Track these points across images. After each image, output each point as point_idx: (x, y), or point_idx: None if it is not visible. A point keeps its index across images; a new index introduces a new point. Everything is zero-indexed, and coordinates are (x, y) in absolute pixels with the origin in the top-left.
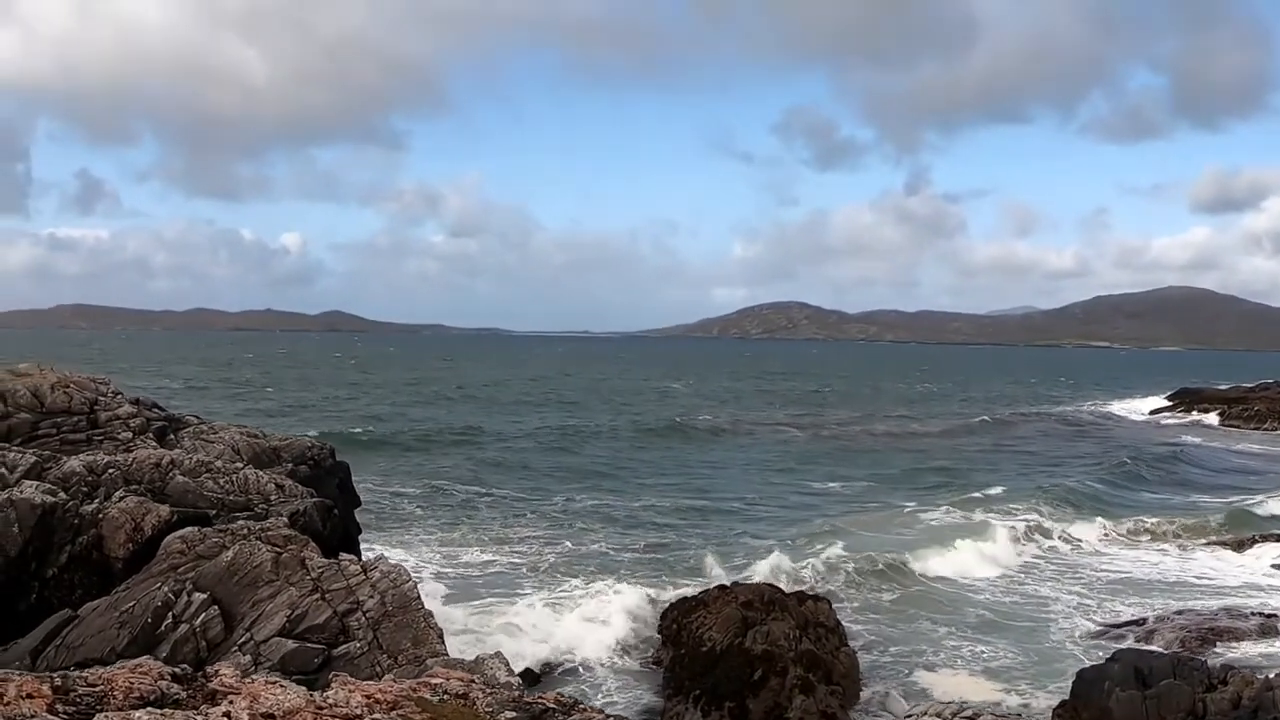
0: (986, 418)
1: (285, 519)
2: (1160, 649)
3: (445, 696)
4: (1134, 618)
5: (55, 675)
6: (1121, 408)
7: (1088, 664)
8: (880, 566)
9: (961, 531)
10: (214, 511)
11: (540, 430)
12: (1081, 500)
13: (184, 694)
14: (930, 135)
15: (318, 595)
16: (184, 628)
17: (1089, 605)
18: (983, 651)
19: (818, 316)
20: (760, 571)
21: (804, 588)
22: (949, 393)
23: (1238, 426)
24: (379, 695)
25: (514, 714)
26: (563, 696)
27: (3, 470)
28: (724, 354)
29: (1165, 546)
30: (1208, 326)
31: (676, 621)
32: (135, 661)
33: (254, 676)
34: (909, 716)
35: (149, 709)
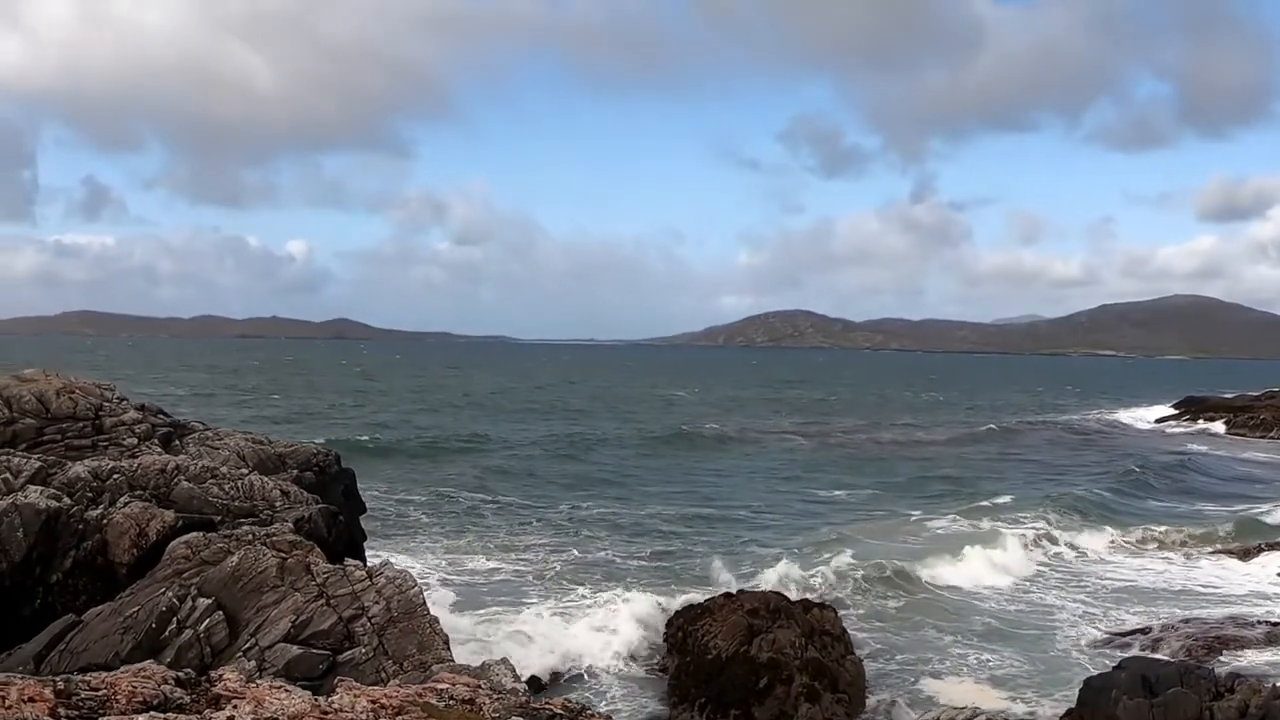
0: (993, 426)
1: (290, 525)
2: (1167, 657)
3: (451, 702)
4: (1140, 626)
5: (58, 679)
6: (1128, 416)
7: (1094, 672)
8: (886, 575)
9: (968, 540)
10: (219, 517)
11: (546, 438)
12: (1089, 509)
13: (187, 698)
14: (936, 143)
15: (323, 601)
16: (188, 633)
17: (1095, 614)
18: (989, 660)
19: (823, 325)
20: (768, 580)
21: (810, 596)
22: (955, 401)
23: (1244, 435)
24: (385, 700)
25: (521, 719)
26: (570, 702)
27: (7, 475)
28: (730, 362)
29: (1171, 555)
30: (1214, 335)
31: (682, 629)
32: (138, 666)
33: (258, 681)
34: (927, 715)
35: (152, 713)
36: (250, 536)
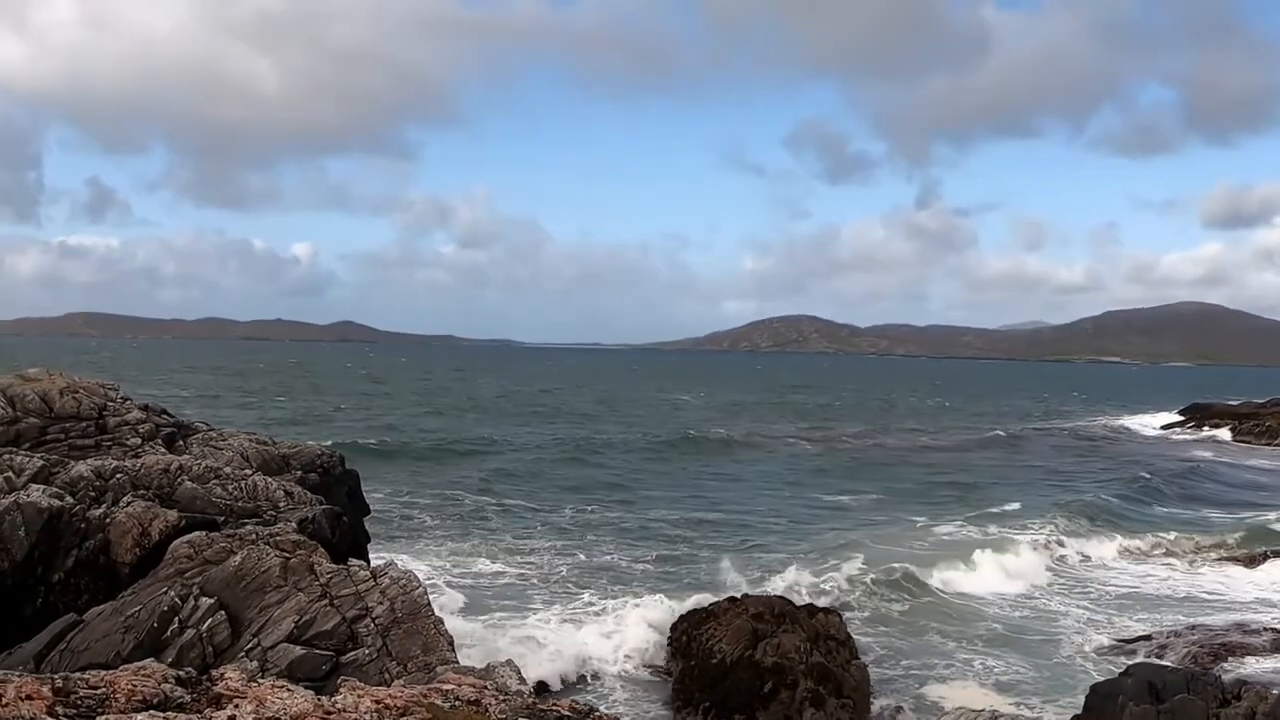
0: (1000, 432)
1: (294, 525)
2: (1173, 664)
3: (457, 703)
4: (1146, 633)
5: (56, 677)
6: (1134, 423)
7: (1100, 679)
8: (892, 580)
9: (975, 546)
10: (222, 518)
11: (551, 442)
12: (1098, 515)
13: (188, 697)
14: (941, 149)
15: (326, 601)
16: (190, 633)
17: (1099, 620)
18: (994, 666)
19: (828, 330)
20: (776, 586)
21: (816, 601)
22: (960, 407)
23: (1249, 442)
24: (389, 701)
25: None
26: (577, 704)
27: (10, 474)
28: (734, 367)
29: (1179, 562)
30: (1219, 342)
31: (686, 633)
32: (138, 664)
33: (260, 681)
34: (945, 716)
35: (151, 712)
36: (253, 536)
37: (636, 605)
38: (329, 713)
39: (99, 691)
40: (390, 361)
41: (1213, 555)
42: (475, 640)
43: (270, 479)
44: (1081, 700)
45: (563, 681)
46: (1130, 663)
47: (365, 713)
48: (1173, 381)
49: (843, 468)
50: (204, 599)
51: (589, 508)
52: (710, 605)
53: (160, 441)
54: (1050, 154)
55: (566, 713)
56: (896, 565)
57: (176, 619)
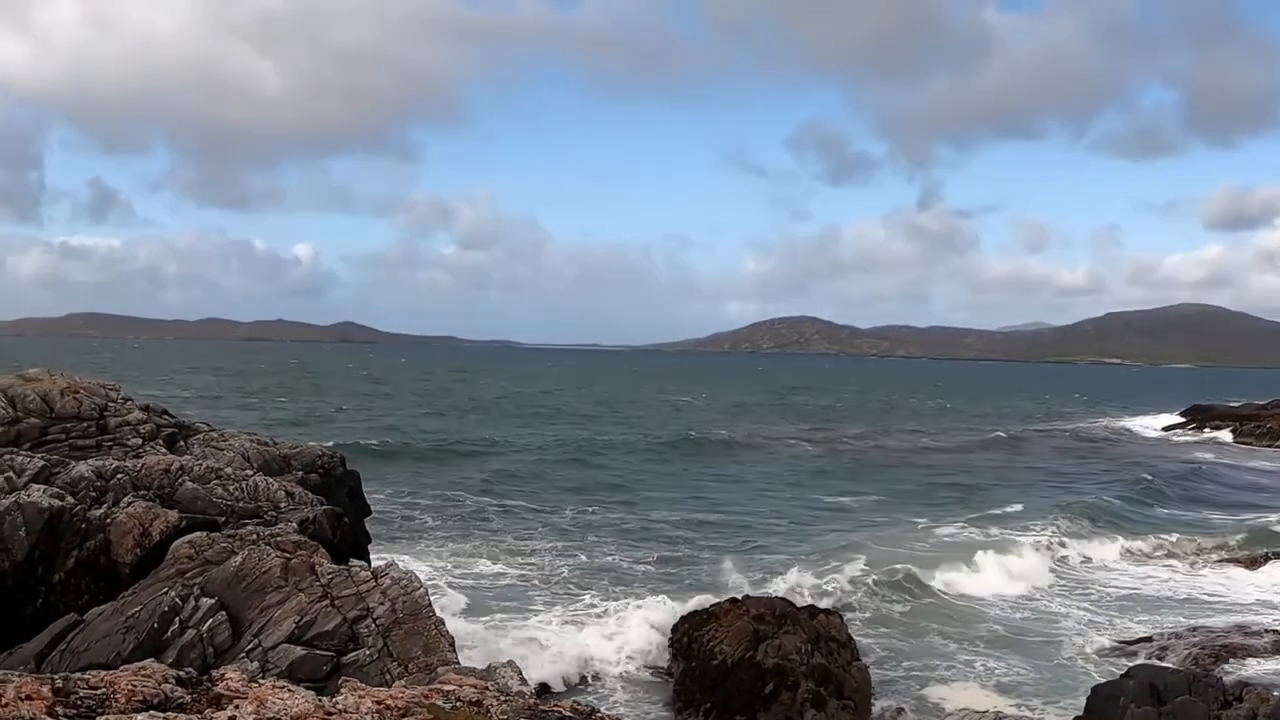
0: (1001, 433)
1: (295, 526)
2: (1174, 666)
3: (458, 703)
4: (1146, 634)
5: (56, 677)
6: (1135, 424)
7: (1100, 680)
8: (893, 582)
9: (977, 547)
10: (223, 518)
11: (553, 443)
12: (1100, 516)
13: (188, 698)
14: (943, 150)
15: (327, 602)
16: (191, 633)
17: (1100, 622)
18: (995, 667)
19: (829, 331)
20: (777, 587)
21: (818, 602)
22: (962, 408)
23: (1250, 444)
24: (390, 701)
25: None
26: (579, 705)
27: (10, 474)
28: (736, 368)
29: (1179, 564)
30: (1220, 344)
31: (687, 634)
32: (138, 665)
33: (261, 681)
34: (949, 716)
35: (151, 712)
36: (254, 536)
37: (639, 607)
38: (330, 713)
39: (99, 692)
40: (391, 362)
41: (1214, 557)
42: (477, 641)
43: (271, 479)
44: (1082, 702)
45: (564, 683)
46: (1131, 664)
47: (366, 713)
48: (1174, 383)
49: (844, 469)
50: (205, 599)
51: (590, 509)
52: (711, 606)
53: (161, 442)
54: (1052, 156)
55: (568, 714)
56: (899, 567)
57: (177, 619)
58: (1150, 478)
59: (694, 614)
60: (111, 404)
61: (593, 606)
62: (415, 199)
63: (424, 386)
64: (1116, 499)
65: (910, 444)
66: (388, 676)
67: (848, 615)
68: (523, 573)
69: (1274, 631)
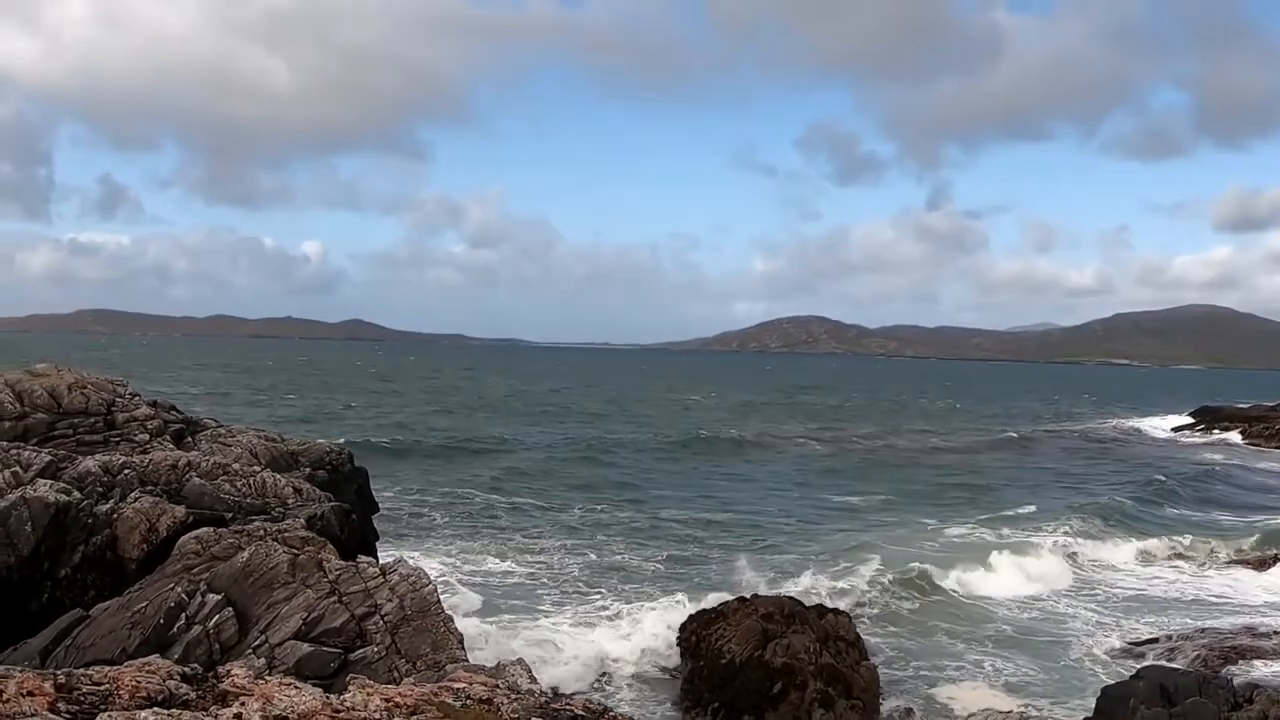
0: (1012, 433)
1: (302, 522)
2: (1183, 667)
3: (468, 701)
4: (1155, 635)
5: (59, 673)
6: (1145, 425)
7: (1108, 681)
8: (903, 582)
9: (991, 548)
10: (230, 514)
11: (562, 441)
12: (1112, 517)
13: (193, 694)
14: (952, 151)
15: (335, 598)
16: (197, 629)
17: (1107, 623)
18: (1004, 668)
19: (837, 331)
20: (791, 588)
21: (828, 602)
22: (971, 408)
23: (1260, 445)
24: (398, 699)
25: None
26: (591, 703)
27: (17, 469)
28: (744, 368)
29: (1187, 565)
30: (1228, 345)
31: (696, 633)
32: (143, 660)
33: (268, 678)
34: (972, 716)
35: (155, 709)
36: (261, 532)
37: (652, 609)
38: (337, 711)
39: (102, 688)
40: (400, 360)
41: (1224, 558)
42: (486, 639)
43: (279, 476)
44: (1091, 702)
45: (572, 679)
46: (1140, 665)
47: (374, 711)
48: (1182, 384)
49: (853, 469)
50: (211, 595)
51: (599, 507)
52: (720, 605)
53: (169, 438)
54: (1061, 157)
55: (580, 712)
56: (912, 567)
57: (183, 615)
58: (1163, 479)
59: (702, 613)
60: (119, 400)
61: (603, 605)
62: (424, 197)
63: (433, 384)
64: (1129, 500)
65: (920, 444)
66: (396, 674)
67: (856, 615)
68: (532, 571)
69: None
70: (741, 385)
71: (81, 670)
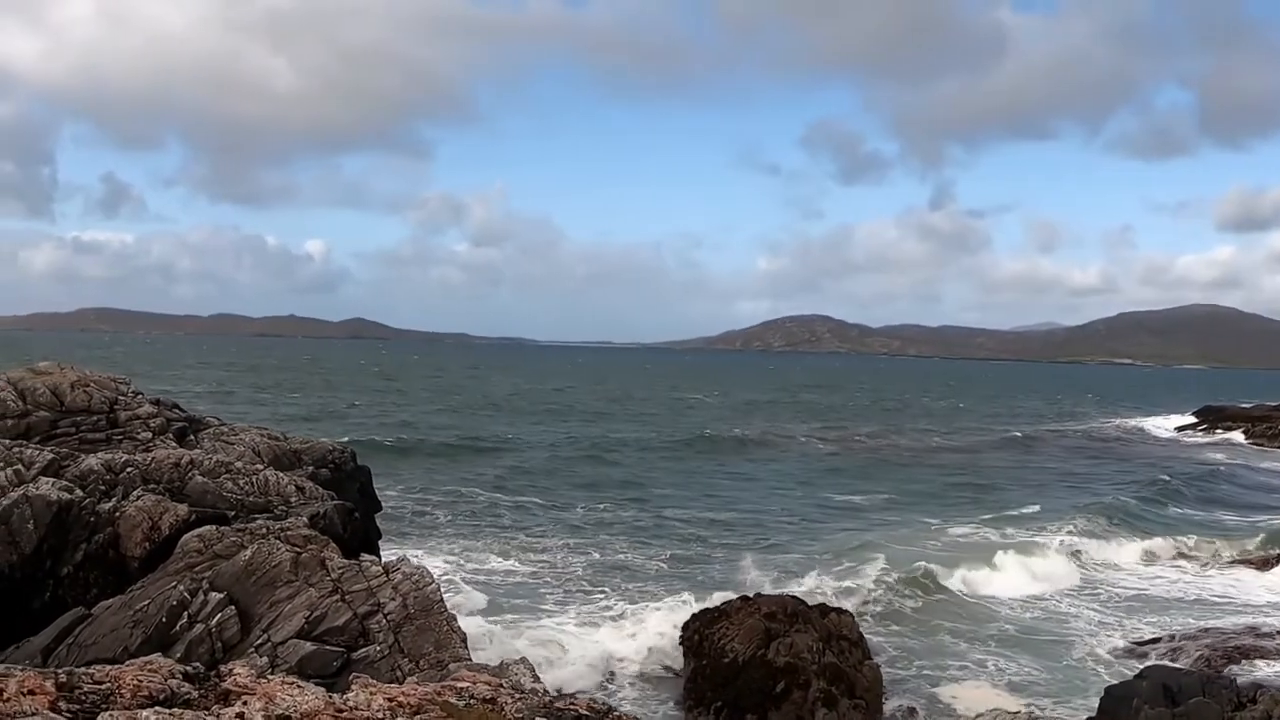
0: (1016, 433)
1: (305, 520)
2: (1186, 667)
3: (472, 701)
4: (1158, 635)
5: (60, 672)
6: (1148, 424)
7: (1111, 680)
8: (906, 581)
9: (996, 548)
10: (233, 512)
11: (565, 440)
12: (1116, 517)
13: (195, 693)
14: (955, 150)
15: (338, 597)
16: (199, 628)
17: (1110, 622)
18: (1007, 667)
19: (840, 330)
20: (795, 588)
21: (832, 601)
22: (974, 408)
23: (1263, 445)
24: (402, 698)
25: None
26: (595, 702)
27: (19, 467)
28: (747, 367)
29: (1192, 565)
30: (1231, 345)
31: (698, 632)
32: (144, 659)
33: (270, 677)
34: (980, 716)
35: (157, 708)
36: (264, 531)
37: (656, 609)
38: (340, 710)
39: (103, 687)
40: (403, 359)
41: (1229, 559)
42: (490, 639)
43: (281, 474)
44: (1094, 702)
45: (575, 679)
46: (1143, 665)
47: (378, 711)
48: (1186, 384)
49: (857, 468)
50: (213, 593)
51: (602, 506)
52: (722, 604)
53: (171, 436)
54: (1065, 156)
55: (584, 712)
56: (918, 566)
57: (186, 613)
58: (1167, 479)
59: (705, 612)
60: (122, 398)
61: (607, 607)
62: (427, 196)
63: (436, 383)
64: (1133, 499)
65: (923, 443)
66: (399, 673)
67: (860, 614)
68: (535, 569)
69: None
70: (745, 384)
71: (83, 669)
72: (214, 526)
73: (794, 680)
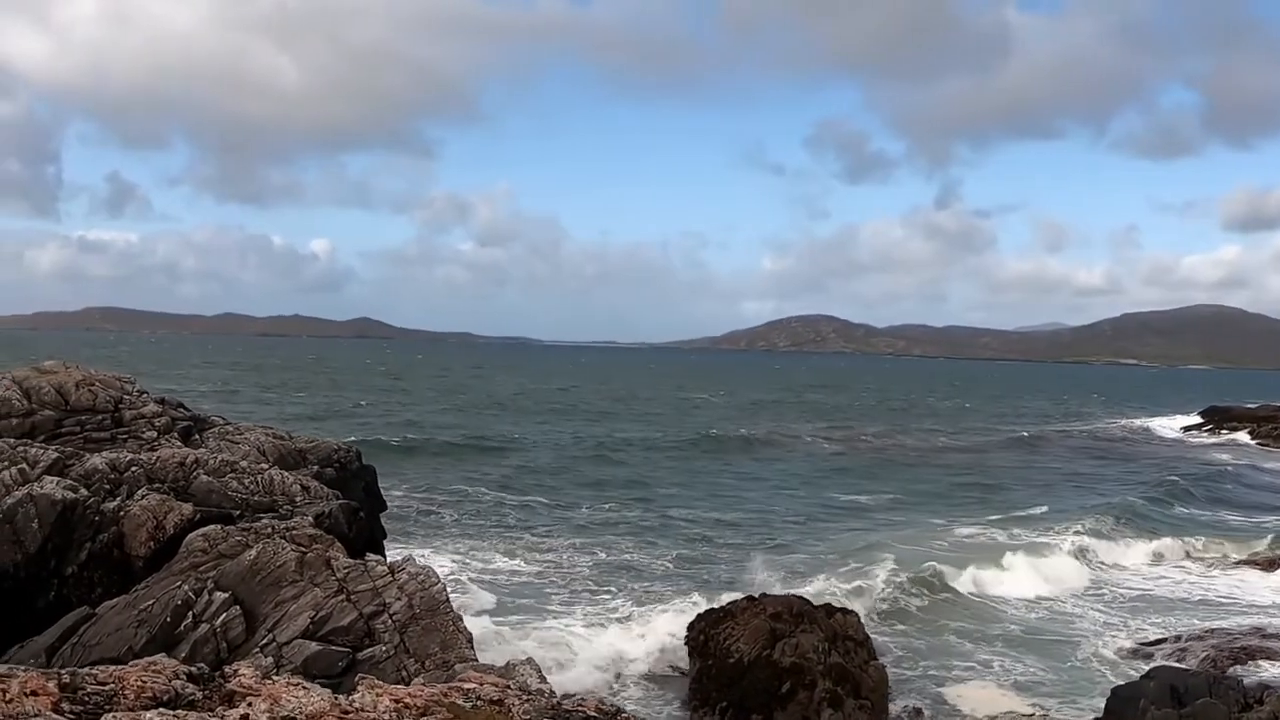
0: (1023, 433)
1: (310, 520)
2: (1192, 667)
3: (479, 702)
4: (1163, 636)
5: (63, 672)
6: (1154, 424)
7: (1118, 681)
8: (915, 582)
9: (1004, 549)
10: (238, 511)
11: (571, 440)
12: (1126, 518)
13: (200, 695)
14: (961, 149)
15: (343, 596)
16: (204, 627)
17: (1116, 623)
18: (1013, 667)
19: (846, 330)
20: (804, 589)
21: (836, 601)
22: (980, 408)
23: (1269, 445)
24: (408, 700)
25: None
26: (603, 704)
27: (24, 466)
28: (752, 366)
29: (1198, 566)
30: (1237, 345)
31: (704, 632)
32: (149, 660)
33: (275, 678)
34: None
35: (161, 710)
36: (269, 530)
37: (664, 611)
38: (346, 712)
39: (107, 687)
40: (408, 358)
41: (1235, 560)
42: (500, 639)
43: (286, 473)
44: (1100, 703)
45: (586, 682)
46: (1149, 666)
47: (384, 712)
48: (1191, 384)
49: (863, 468)
50: (218, 593)
51: (608, 505)
52: (728, 604)
53: (176, 435)
54: (1070, 156)
55: (593, 713)
56: (927, 567)
57: (190, 613)
58: (1175, 479)
59: (710, 612)
60: (127, 397)
61: (614, 607)
62: (432, 195)
63: (442, 383)
64: (1140, 500)
65: (929, 443)
66: (404, 673)
67: (866, 614)
68: (541, 569)
69: None
70: (750, 384)
71: (86, 670)
72: (219, 526)
73: (799, 681)
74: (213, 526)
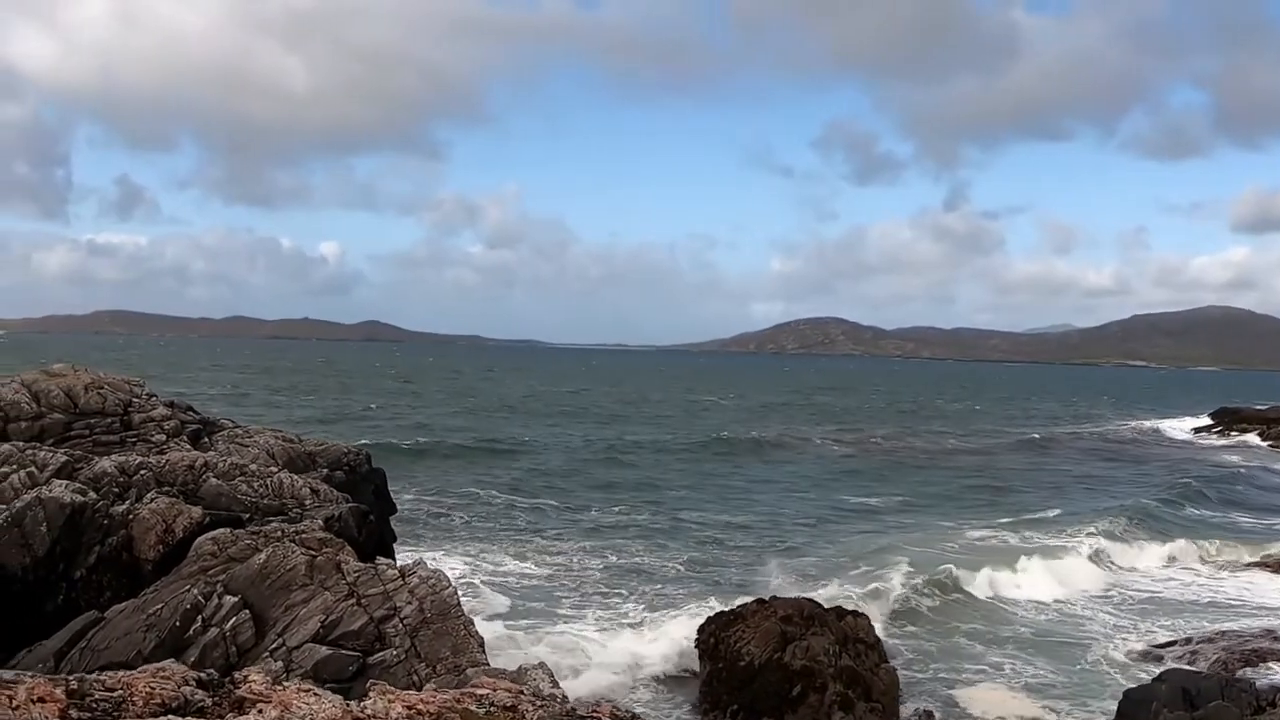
0: (1034, 435)
1: (320, 523)
2: (1204, 670)
3: (492, 708)
4: (1174, 638)
5: (71, 678)
6: (1164, 426)
7: (1129, 684)
8: (924, 584)
9: (1018, 552)
10: (247, 515)
11: (581, 443)
12: (1139, 519)
13: (209, 701)
14: (970, 151)
15: (353, 600)
16: (213, 632)
17: (1126, 625)
18: (1024, 670)
19: (854, 332)
20: (818, 593)
21: (849, 604)
22: (990, 410)
23: (1279, 447)
24: (421, 705)
25: None
26: (618, 709)
27: (33, 469)
28: (762, 369)
29: (1208, 568)
30: (1246, 346)
31: (714, 635)
32: (157, 665)
33: (285, 683)
34: None
35: (170, 716)
36: (279, 533)
37: (665, 609)
38: (358, 718)
39: (115, 694)
40: (418, 361)
41: (1247, 562)
42: (507, 643)
43: (296, 476)
44: (1112, 705)
45: (600, 687)
46: (1159, 668)
47: (396, 718)
48: (1201, 385)
49: (873, 470)
50: (228, 597)
51: (618, 508)
52: (738, 607)
53: (185, 438)
54: (1079, 157)
55: (607, 718)
56: (942, 570)
57: (199, 617)
58: (1187, 481)
59: (720, 614)
60: (136, 400)
61: (625, 611)
62: (441, 198)
63: (452, 385)
64: (1153, 502)
65: (939, 445)
66: (415, 678)
67: (876, 617)
68: (552, 572)
69: None
70: (760, 386)
71: (94, 676)
72: (228, 529)
73: (810, 683)
74: (222, 530)
